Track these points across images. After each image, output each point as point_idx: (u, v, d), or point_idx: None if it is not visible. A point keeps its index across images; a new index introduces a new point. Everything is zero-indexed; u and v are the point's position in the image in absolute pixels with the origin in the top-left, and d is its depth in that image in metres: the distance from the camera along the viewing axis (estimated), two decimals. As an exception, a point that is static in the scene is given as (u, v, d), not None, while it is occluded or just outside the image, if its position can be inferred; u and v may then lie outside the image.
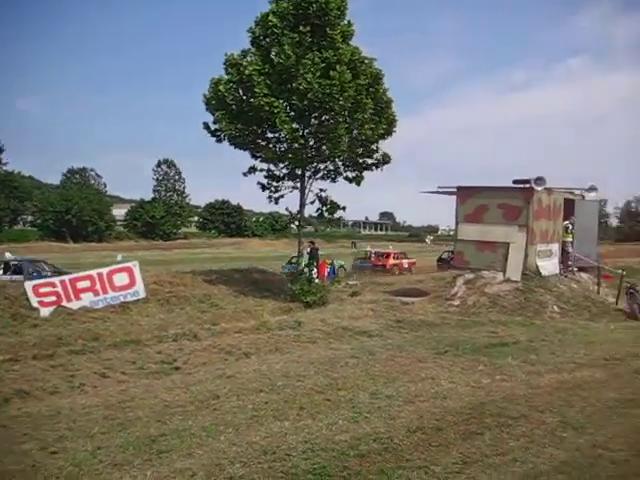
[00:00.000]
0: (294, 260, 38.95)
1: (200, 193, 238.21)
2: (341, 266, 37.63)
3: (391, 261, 39.16)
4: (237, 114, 19.70)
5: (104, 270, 17.77)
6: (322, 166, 21.76)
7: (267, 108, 18.75)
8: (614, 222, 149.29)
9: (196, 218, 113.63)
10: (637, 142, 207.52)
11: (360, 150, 21.24)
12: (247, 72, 18.96)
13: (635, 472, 6.59)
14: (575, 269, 22.19)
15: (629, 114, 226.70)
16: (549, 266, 20.51)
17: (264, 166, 21.88)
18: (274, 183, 22.10)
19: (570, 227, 21.81)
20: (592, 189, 23.39)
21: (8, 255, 26.06)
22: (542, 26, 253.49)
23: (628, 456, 6.99)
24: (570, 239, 21.90)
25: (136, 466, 6.53)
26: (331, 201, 21.85)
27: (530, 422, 8.10)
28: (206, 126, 21.03)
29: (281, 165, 21.66)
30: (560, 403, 9.01)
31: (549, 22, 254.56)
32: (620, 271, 20.98)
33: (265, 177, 22.09)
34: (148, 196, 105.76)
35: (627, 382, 10.44)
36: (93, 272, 17.63)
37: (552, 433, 7.71)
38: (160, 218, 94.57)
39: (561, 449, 7.18)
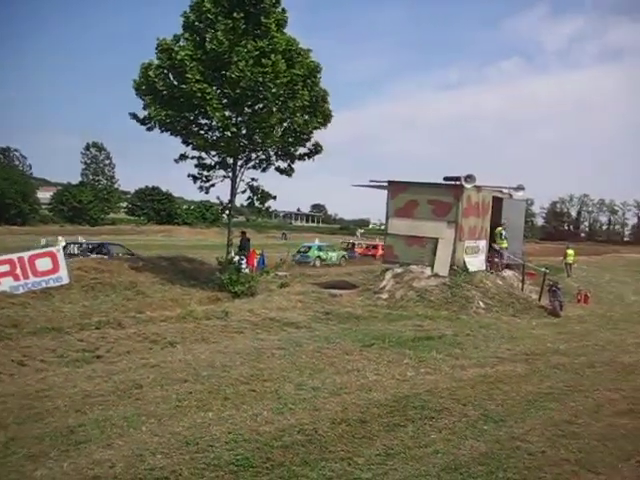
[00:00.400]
0: (303, 249, 40.01)
1: (130, 178, 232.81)
2: (343, 256, 40.98)
3: (380, 251, 41.95)
4: (168, 100, 19.34)
5: (25, 254, 17.20)
6: (254, 155, 21.61)
7: (199, 95, 18.50)
8: (540, 221, 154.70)
9: (125, 204, 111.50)
10: (563, 145, 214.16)
11: (291, 139, 21.15)
12: (179, 57, 18.62)
13: (550, 463, 6.76)
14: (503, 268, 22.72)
15: (556, 118, 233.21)
16: (476, 262, 20.89)
17: (195, 154, 21.59)
18: (205, 172, 21.82)
19: (504, 233, 22.28)
20: (520, 188, 23.97)
21: (80, 239, 32.96)
22: (476, 28, 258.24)
23: (544, 447, 7.19)
24: (505, 245, 22.39)
25: (52, 457, 6.32)
26: (262, 190, 21.73)
27: (452, 415, 8.22)
28: (134, 116, 20.57)
29: (213, 153, 21.38)
30: (482, 396, 9.18)
31: (483, 24, 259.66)
32: (544, 269, 21.61)
33: (196, 166, 21.79)
34: (76, 180, 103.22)
35: (546, 377, 10.72)
36: (13, 256, 17.04)
37: (473, 425, 7.84)
38: (87, 203, 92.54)
39: (481, 441, 7.31)
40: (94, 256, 26.33)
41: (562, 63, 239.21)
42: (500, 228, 22.45)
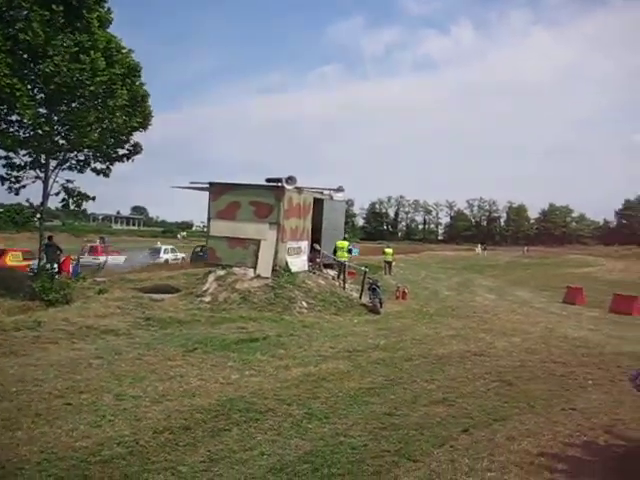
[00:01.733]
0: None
1: None
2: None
3: None
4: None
5: None
6: (71, 155, 20.42)
7: (8, 90, 17.16)
8: (360, 222, 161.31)
9: None
10: (381, 149, 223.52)
11: (112, 141, 20.26)
12: (-17, 48, 17.15)
13: (372, 455, 6.92)
14: (330, 268, 23.30)
15: (375, 122, 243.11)
16: (298, 263, 21.18)
17: (2, 152, 19.98)
18: (14, 172, 20.27)
19: (352, 248, 23.02)
20: (339, 190, 24.56)
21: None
22: (298, 33, 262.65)
23: (366, 441, 7.35)
24: (347, 257, 23.07)
25: None
26: (79, 192, 20.60)
27: (277, 415, 8.20)
28: None
29: (23, 152, 19.90)
30: (306, 395, 9.25)
31: (305, 30, 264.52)
32: (364, 268, 22.28)
33: (4, 166, 20.19)
34: None
35: (367, 372, 11.03)
36: None
37: (298, 425, 7.86)
38: None
39: (306, 439, 7.34)
40: None
41: (380, 70, 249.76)
42: (347, 244, 23.52)
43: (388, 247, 37.45)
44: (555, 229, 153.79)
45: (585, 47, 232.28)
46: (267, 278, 19.52)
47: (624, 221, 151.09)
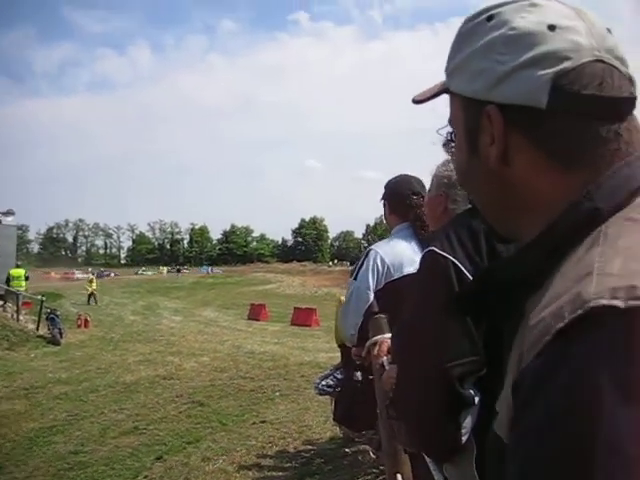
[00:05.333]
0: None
1: None
2: None
3: None
4: None
5: None
6: None
7: None
8: (36, 248, 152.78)
9: None
10: (60, 169, 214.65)
11: None
12: None
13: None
14: None
15: (50, 142, 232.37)
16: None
17: None
18: None
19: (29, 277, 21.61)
20: (10, 213, 23.05)
21: None
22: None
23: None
24: (24, 286, 21.46)
25: None
26: None
27: None
28: None
29: None
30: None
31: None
32: (40, 297, 20.91)
33: None
34: None
35: (48, 409, 10.20)
36: None
37: (-32, 483, 6.92)
38: None
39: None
40: None
41: (55, 88, 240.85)
42: (23, 271, 21.86)
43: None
44: (237, 249, 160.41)
45: (260, 75, 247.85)
46: None
47: (300, 239, 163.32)
